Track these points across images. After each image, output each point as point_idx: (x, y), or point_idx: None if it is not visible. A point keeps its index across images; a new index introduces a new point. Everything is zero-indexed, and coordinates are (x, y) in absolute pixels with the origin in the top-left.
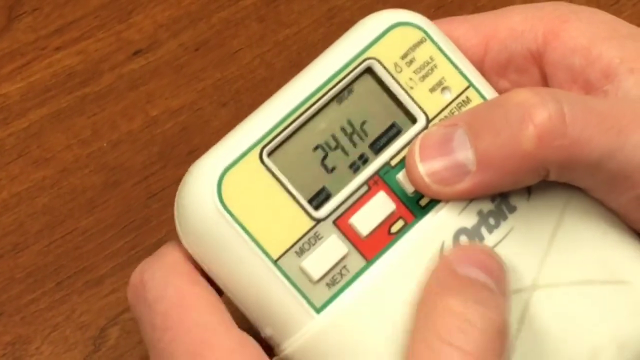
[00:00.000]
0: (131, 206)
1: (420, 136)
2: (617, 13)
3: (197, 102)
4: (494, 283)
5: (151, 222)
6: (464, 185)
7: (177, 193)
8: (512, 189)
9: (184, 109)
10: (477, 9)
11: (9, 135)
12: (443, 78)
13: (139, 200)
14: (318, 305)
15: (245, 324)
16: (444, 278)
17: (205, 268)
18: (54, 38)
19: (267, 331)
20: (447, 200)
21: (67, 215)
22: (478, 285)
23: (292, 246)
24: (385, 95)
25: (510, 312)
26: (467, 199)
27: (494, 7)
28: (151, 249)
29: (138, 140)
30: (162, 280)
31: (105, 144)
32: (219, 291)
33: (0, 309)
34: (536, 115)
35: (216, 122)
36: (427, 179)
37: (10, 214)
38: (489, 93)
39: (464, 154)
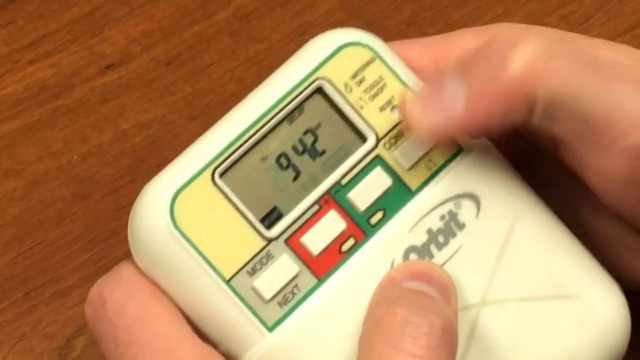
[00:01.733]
0: (100, 218)
1: (409, 94)
2: (586, 32)
3: (167, 116)
4: (436, 292)
5: (119, 234)
6: (459, 119)
7: (130, 216)
8: (502, 123)
9: (155, 122)
10: (449, 25)
11: None
12: (393, 97)
13: (107, 213)
14: (270, 324)
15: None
16: (387, 291)
17: (161, 287)
18: (28, 51)
19: (221, 348)
20: (444, 138)
21: (36, 226)
22: (420, 293)
23: (244, 266)
24: (335, 115)
25: (457, 316)
26: (463, 134)
27: (465, 24)
28: (119, 261)
29: (108, 153)
30: (122, 296)
31: (75, 157)
32: None
33: None
34: (523, 45)
35: (186, 135)
36: (426, 123)
37: None
38: None
39: (457, 93)
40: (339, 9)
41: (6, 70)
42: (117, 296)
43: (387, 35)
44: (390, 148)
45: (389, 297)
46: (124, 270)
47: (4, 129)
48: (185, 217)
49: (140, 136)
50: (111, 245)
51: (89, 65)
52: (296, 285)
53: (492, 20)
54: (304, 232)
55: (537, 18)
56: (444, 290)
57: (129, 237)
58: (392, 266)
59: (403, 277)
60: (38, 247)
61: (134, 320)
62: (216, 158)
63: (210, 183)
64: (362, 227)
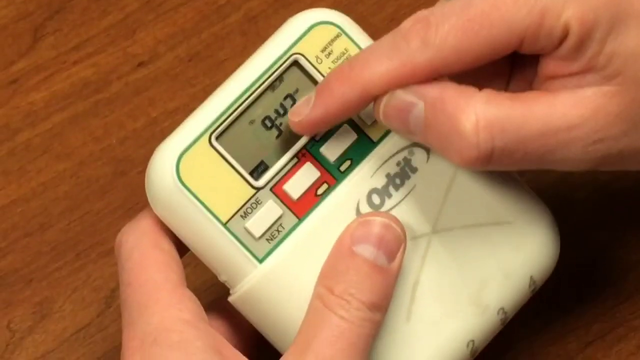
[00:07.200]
0: (136, 191)
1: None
2: None
3: (190, 104)
4: (385, 257)
5: None
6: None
7: (146, 171)
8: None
9: (179, 110)
10: None
11: (36, 136)
12: None
13: (142, 187)
14: (260, 256)
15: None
16: (342, 256)
17: (172, 229)
18: (72, 54)
19: (222, 277)
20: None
21: (83, 200)
22: (362, 268)
23: (238, 211)
24: (309, 82)
25: (394, 283)
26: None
27: None
28: None
29: (141, 137)
30: (132, 243)
31: (114, 141)
32: (186, 248)
33: (31, 276)
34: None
35: None
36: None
37: (38, 199)
38: None
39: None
40: (332, 8)
41: (55, 71)
42: (129, 242)
43: (374, 29)
44: None
45: (340, 267)
46: (141, 221)
47: (55, 120)
48: (188, 173)
49: (168, 122)
50: None
51: (123, 63)
52: (280, 225)
53: None
54: (286, 180)
55: None
56: (392, 246)
57: (146, 190)
58: (358, 205)
59: (358, 240)
60: (86, 216)
61: (134, 265)
62: (212, 124)
63: (208, 145)
64: (333, 174)
